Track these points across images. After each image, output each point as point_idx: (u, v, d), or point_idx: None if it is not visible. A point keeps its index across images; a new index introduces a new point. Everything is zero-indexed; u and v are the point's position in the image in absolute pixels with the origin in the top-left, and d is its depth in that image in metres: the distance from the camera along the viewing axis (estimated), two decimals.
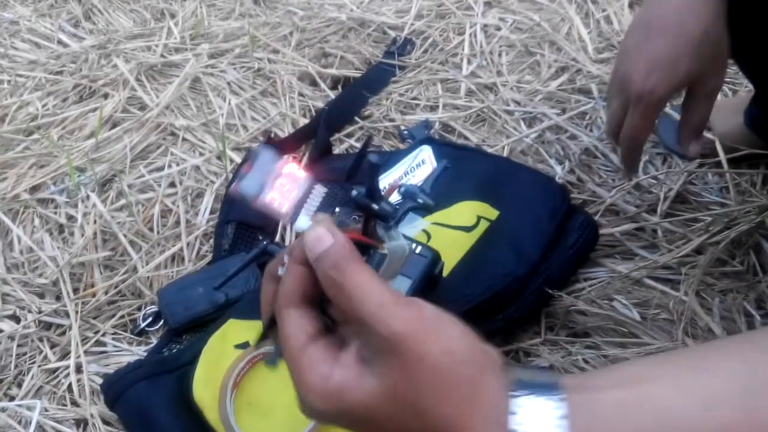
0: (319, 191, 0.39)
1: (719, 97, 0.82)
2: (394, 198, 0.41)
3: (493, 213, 0.72)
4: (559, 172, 0.84)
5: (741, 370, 0.32)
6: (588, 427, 0.31)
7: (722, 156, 0.78)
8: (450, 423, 0.32)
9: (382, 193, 0.39)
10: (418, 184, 0.42)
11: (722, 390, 0.32)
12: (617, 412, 0.32)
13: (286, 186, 0.38)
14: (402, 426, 0.33)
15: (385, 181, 0.77)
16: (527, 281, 0.68)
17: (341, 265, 0.34)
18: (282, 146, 0.88)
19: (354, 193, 0.37)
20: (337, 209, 0.38)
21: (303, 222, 0.38)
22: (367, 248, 0.37)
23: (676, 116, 0.84)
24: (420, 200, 0.41)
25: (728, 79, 0.94)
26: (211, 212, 0.84)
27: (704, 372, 0.33)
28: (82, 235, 0.81)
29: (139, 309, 0.76)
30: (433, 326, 0.33)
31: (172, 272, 0.78)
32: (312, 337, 0.35)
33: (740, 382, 0.32)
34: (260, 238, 0.77)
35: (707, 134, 0.81)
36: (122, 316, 0.75)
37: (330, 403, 0.33)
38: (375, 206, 0.36)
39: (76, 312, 0.75)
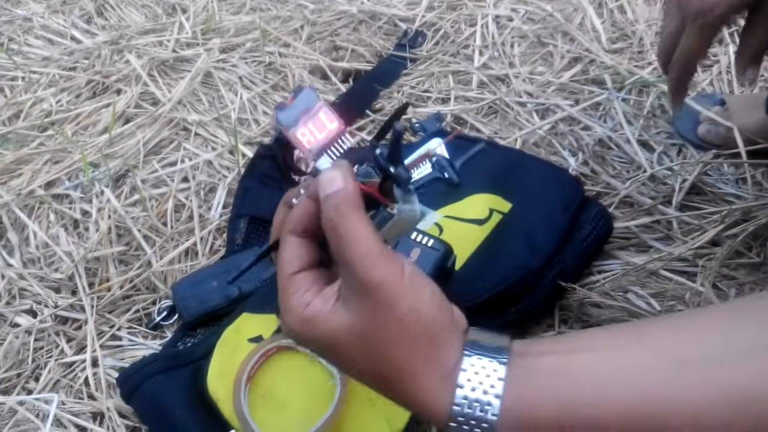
0: (346, 140, 0.42)
1: (737, 92, 0.81)
2: (426, 168, 0.42)
3: (505, 206, 0.71)
4: (573, 164, 0.84)
5: (673, 344, 0.34)
6: (522, 387, 0.34)
7: (741, 146, 0.76)
8: (404, 369, 0.35)
9: (412, 160, 0.40)
10: (449, 159, 0.42)
11: (653, 362, 0.34)
12: (551, 377, 0.35)
13: (317, 126, 0.41)
14: (361, 362, 0.36)
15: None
16: (540, 274, 0.67)
17: (342, 209, 0.36)
18: None
19: (378, 151, 0.38)
20: (365, 164, 0.40)
21: (324, 163, 0.41)
22: (377, 204, 0.39)
23: (693, 105, 0.84)
24: (446, 174, 0.42)
25: None
26: (224, 207, 0.84)
27: (639, 344, 0.35)
28: (97, 230, 0.82)
29: (153, 303, 0.76)
30: (407, 283, 0.35)
31: (186, 266, 0.79)
32: (304, 266, 0.38)
33: (670, 356, 0.33)
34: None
35: (726, 123, 0.80)
36: (137, 311, 0.76)
37: (303, 327, 0.37)
38: (392, 168, 0.38)
39: (92, 306, 0.76)
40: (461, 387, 0.35)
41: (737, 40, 0.97)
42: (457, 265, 0.64)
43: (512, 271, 0.66)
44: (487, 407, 0.34)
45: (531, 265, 0.67)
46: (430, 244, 0.60)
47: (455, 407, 0.35)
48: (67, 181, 0.89)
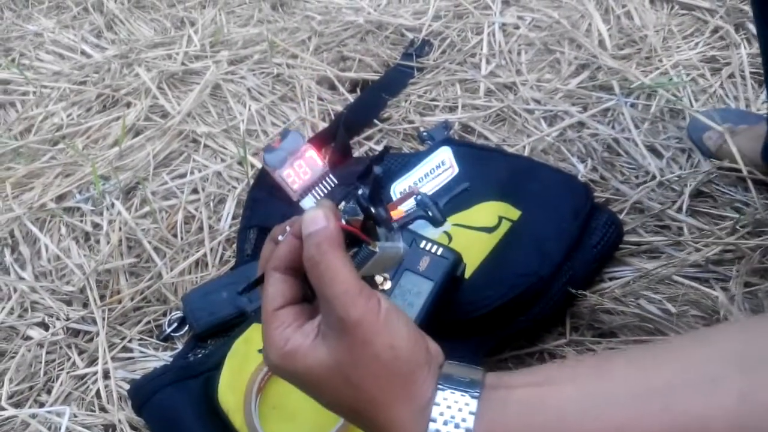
0: (330, 181, 0.44)
1: (744, 127, 0.81)
2: (410, 203, 0.44)
3: (514, 213, 0.71)
4: (582, 171, 0.83)
5: (636, 377, 0.35)
6: (492, 421, 0.36)
7: (738, 156, 0.77)
8: (380, 404, 0.37)
9: (399, 193, 0.42)
10: (433, 195, 0.44)
11: (616, 393, 0.35)
12: (521, 409, 0.36)
13: (303, 168, 0.44)
14: (339, 396, 0.38)
15: (404, 183, 0.76)
16: (551, 281, 0.67)
17: (323, 247, 0.37)
18: None
19: (359, 192, 0.40)
20: (351, 202, 0.42)
21: (308, 202, 0.44)
22: (359, 242, 0.40)
23: (702, 119, 0.83)
24: (430, 213, 0.45)
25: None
26: (233, 218, 0.84)
27: (604, 377, 0.36)
28: (108, 243, 0.83)
29: (164, 315, 0.76)
30: (384, 321, 0.37)
31: (196, 278, 0.79)
32: (287, 301, 0.40)
33: (630, 388, 0.35)
34: None
35: (717, 127, 0.81)
36: (148, 322, 0.76)
37: (284, 361, 0.38)
38: (372, 209, 0.40)
39: (103, 319, 0.76)
40: (434, 421, 0.36)
41: (747, 42, 0.97)
42: (467, 274, 0.64)
43: (522, 278, 0.66)
44: None
45: (541, 272, 0.66)
46: (439, 253, 0.60)
47: None
48: (78, 194, 0.89)
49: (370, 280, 0.40)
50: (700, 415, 0.33)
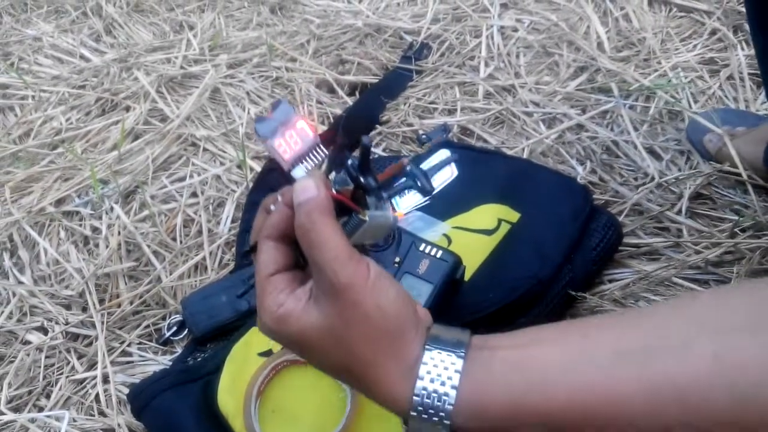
0: (321, 151, 0.44)
1: (743, 129, 0.82)
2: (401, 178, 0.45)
3: (514, 215, 0.71)
4: (581, 173, 0.83)
5: (615, 339, 0.37)
6: (477, 380, 0.37)
7: (737, 159, 0.77)
8: (370, 362, 0.38)
9: (385, 170, 0.44)
10: (424, 168, 0.45)
11: (596, 354, 0.36)
12: (506, 368, 0.37)
13: (294, 138, 0.44)
14: (330, 356, 0.39)
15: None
16: (550, 283, 0.67)
17: (313, 215, 0.38)
18: None
19: (349, 161, 0.41)
20: (340, 173, 0.43)
21: (299, 172, 0.44)
22: (350, 211, 0.41)
23: (702, 121, 0.83)
24: (419, 183, 0.45)
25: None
26: (233, 221, 0.84)
27: (584, 339, 0.38)
28: (107, 247, 0.82)
29: (163, 318, 0.76)
30: (372, 284, 0.38)
31: (196, 281, 0.79)
32: (280, 268, 0.41)
33: (608, 350, 0.36)
34: None
35: (717, 130, 0.81)
36: (147, 326, 0.76)
37: (277, 325, 0.40)
38: (361, 178, 0.41)
39: (102, 323, 0.76)
40: (421, 379, 0.37)
41: (745, 43, 0.97)
42: (467, 276, 0.64)
43: (522, 281, 0.66)
44: (444, 397, 0.37)
45: (541, 274, 0.66)
46: (438, 255, 0.60)
47: (415, 398, 0.37)
48: (77, 198, 0.89)
49: (361, 248, 0.41)
50: (674, 376, 0.34)
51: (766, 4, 0.63)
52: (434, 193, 0.47)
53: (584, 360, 0.36)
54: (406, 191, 0.45)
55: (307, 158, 0.44)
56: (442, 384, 0.37)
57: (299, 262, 0.42)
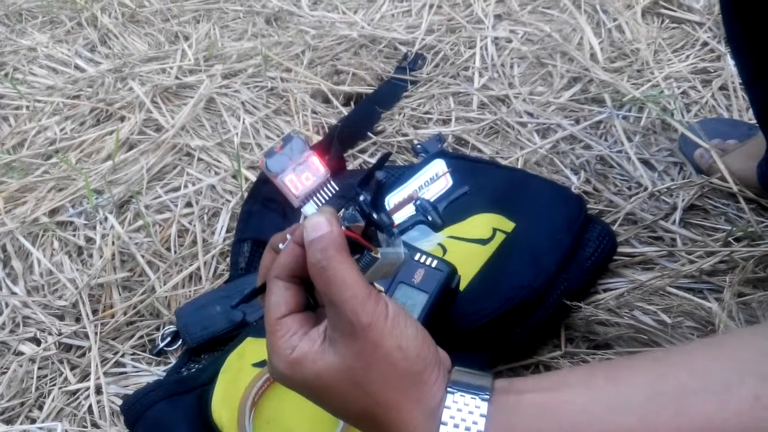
0: (331, 187, 0.44)
1: (733, 143, 0.82)
2: (409, 209, 0.43)
3: (508, 225, 0.71)
4: (575, 182, 0.84)
5: (648, 382, 0.36)
6: (504, 424, 0.36)
7: (726, 173, 0.78)
8: (392, 405, 0.37)
9: (394, 205, 0.42)
10: (433, 201, 0.44)
11: (628, 398, 0.35)
12: (534, 413, 0.36)
13: (305, 173, 0.43)
14: (348, 400, 0.37)
15: (399, 195, 0.77)
16: (545, 293, 0.67)
17: (328, 252, 0.37)
18: None
19: (361, 198, 0.40)
20: (351, 209, 0.41)
21: (310, 209, 0.43)
22: (361, 248, 0.40)
23: (691, 136, 0.84)
24: (429, 218, 0.44)
25: None
26: (227, 231, 0.84)
27: (615, 382, 0.36)
28: (101, 257, 0.82)
29: (157, 329, 0.76)
30: (392, 324, 0.37)
31: (190, 291, 0.78)
32: (291, 309, 0.39)
33: (643, 393, 0.35)
34: None
35: (704, 144, 0.81)
36: (141, 337, 0.76)
37: (291, 370, 0.38)
38: (374, 215, 0.40)
39: (96, 333, 0.75)
40: (445, 424, 0.36)
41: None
42: (462, 286, 0.64)
43: (517, 290, 0.66)
44: None
45: (535, 284, 0.66)
46: (434, 265, 0.60)
47: None
48: (71, 208, 0.89)
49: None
50: (713, 418, 0.33)
51: (748, 21, 0.64)
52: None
53: (617, 404, 0.35)
54: (416, 226, 0.44)
55: (318, 194, 0.44)
56: (467, 429, 0.35)
57: (309, 303, 0.41)
